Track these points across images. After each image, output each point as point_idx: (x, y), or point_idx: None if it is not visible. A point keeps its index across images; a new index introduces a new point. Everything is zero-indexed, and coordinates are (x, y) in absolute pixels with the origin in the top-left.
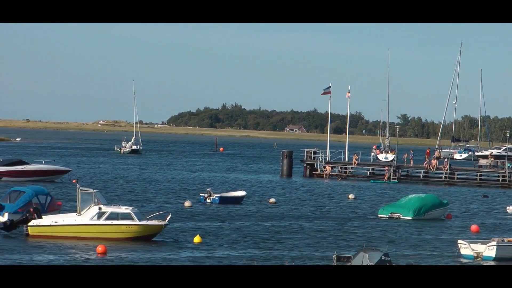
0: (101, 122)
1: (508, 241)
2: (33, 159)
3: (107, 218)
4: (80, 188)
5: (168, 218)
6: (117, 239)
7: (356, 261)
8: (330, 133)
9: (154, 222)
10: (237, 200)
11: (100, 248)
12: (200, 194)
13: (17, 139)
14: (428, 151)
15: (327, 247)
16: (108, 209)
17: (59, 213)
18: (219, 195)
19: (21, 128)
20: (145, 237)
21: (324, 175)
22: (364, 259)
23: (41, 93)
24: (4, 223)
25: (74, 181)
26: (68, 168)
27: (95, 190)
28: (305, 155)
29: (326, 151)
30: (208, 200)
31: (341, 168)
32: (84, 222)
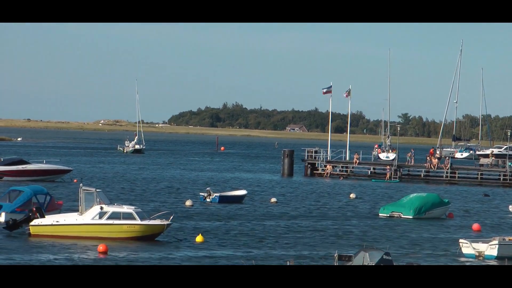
0: (102, 121)
1: (509, 240)
2: (36, 159)
3: (108, 218)
4: (83, 187)
5: (171, 218)
6: (119, 238)
7: (356, 261)
8: (331, 132)
9: (156, 222)
10: (237, 199)
11: (101, 247)
12: (200, 194)
13: (19, 139)
14: (431, 150)
15: (328, 246)
16: (109, 209)
17: (59, 212)
18: (218, 195)
19: (22, 128)
20: (148, 237)
21: (325, 174)
22: (364, 258)
23: (42, 92)
24: (7, 222)
25: (75, 180)
26: (69, 168)
27: (97, 190)
28: (306, 154)
29: (327, 150)
30: (208, 200)
31: (342, 167)
32: (85, 221)
